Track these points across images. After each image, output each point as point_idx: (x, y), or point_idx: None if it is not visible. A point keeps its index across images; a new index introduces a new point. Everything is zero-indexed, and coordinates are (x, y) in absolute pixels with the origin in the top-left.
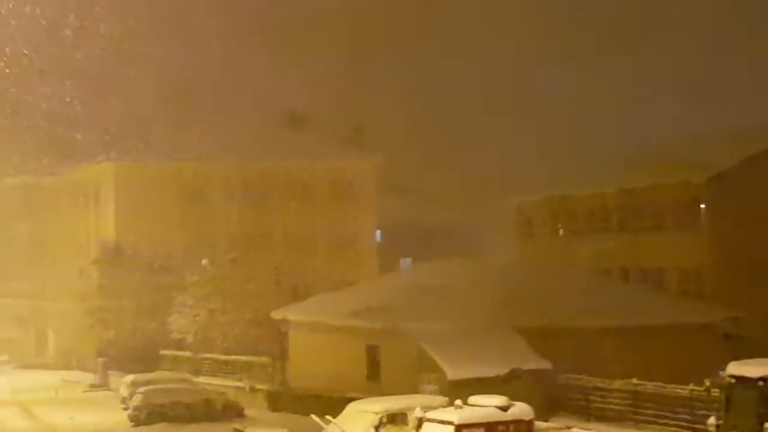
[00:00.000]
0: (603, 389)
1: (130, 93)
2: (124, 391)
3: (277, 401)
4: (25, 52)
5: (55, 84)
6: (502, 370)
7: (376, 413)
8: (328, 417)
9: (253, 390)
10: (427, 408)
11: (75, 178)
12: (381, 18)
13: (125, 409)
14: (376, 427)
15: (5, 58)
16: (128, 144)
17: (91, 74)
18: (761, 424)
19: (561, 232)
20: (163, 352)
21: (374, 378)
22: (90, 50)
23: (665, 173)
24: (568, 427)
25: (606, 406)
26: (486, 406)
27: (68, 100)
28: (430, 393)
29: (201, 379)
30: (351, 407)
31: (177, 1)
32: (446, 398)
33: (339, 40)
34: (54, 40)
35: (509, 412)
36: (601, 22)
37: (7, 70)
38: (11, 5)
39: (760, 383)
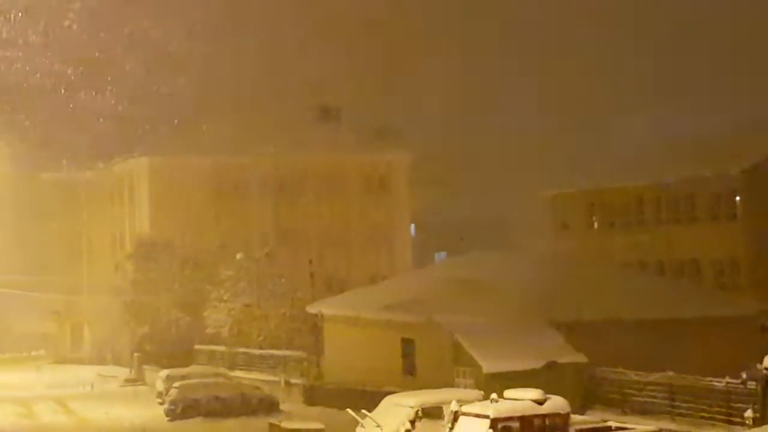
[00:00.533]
0: (639, 382)
1: (166, 89)
2: (159, 386)
3: (312, 395)
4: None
5: (94, 81)
6: (537, 364)
7: (412, 407)
8: (364, 411)
9: (288, 384)
10: (462, 402)
11: (110, 173)
12: (417, 13)
13: (161, 403)
14: (412, 421)
15: (48, 54)
16: (163, 139)
17: (129, 71)
18: None
19: (596, 225)
20: (198, 346)
21: (409, 372)
22: (131, 50)
23: (700, 165)
24: (604, 421)
25: (642, 399)
26: (522, 399)
27: (106, 96)
28: (465, 386)
29: (236, 374)
30: (386, 401)
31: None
32: (482, 392)
33: (374, 36)
34: (96, 40)
35: (545, 405)
36: (639, 18)
37: (51, 58)
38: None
39: None
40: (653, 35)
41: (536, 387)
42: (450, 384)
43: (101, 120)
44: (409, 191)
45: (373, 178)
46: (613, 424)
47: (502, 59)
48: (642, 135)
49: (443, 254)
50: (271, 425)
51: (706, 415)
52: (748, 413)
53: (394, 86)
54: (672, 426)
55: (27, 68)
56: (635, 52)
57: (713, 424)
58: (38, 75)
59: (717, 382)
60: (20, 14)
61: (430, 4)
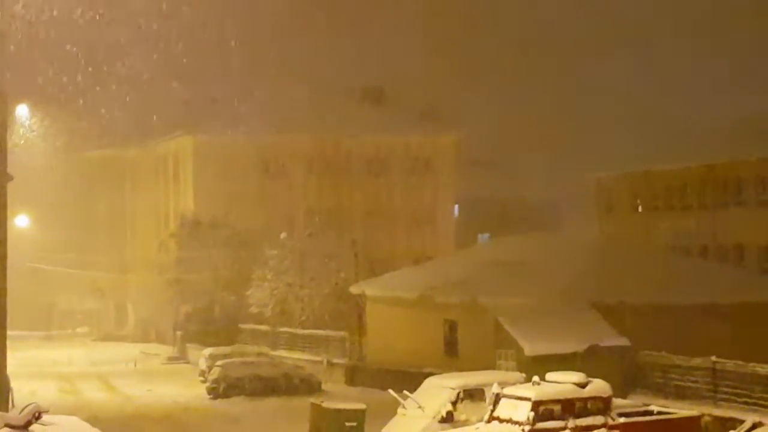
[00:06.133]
0: (681, 367)
1: (210, 68)
2: (202, 364)
3: (354, 376)
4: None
5: (138, 58)
6: (580, 347)
7: (453, 389)
8: (406, 392)
9: (330, 364)
10: (504, 384)
11: (154, 152)
12: None
13: (203, 381)
14: (453, 403)
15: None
16: (207, 117)
17: (173, 48)
18: None
19: (640, 208)
20: (241, 325)
21: (452, 353)
22: (174, 27)
23: (747, 149)
24: (646, 405)
25: (684, 383)
26: (563, 382)
27: (150, 73)
28: (507, 369)
29: (279, 353)
30: (428, 382)
31: None
32: (523, 374)
33: (419, 16)
34: (139, 16)
35: (587, 388)
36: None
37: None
38: None
39: None
40: (703, 12)
41: (578, 370)
42: (492, 366)
43: (145, 98)
44: (454, 172)
45: (418, 158)
46: (654, 408)
47: (542, 35)
48: (687, 117)
49: (487, 236)
50: (313, 405)
51: (749, 400)
52: None
53: (441, 67)
54: (714, 411)
55: (75, 44)
56: (680, 32)
57: (756, 410)
58: (83, 49)
59: (760, 367)
60: None
61: None
